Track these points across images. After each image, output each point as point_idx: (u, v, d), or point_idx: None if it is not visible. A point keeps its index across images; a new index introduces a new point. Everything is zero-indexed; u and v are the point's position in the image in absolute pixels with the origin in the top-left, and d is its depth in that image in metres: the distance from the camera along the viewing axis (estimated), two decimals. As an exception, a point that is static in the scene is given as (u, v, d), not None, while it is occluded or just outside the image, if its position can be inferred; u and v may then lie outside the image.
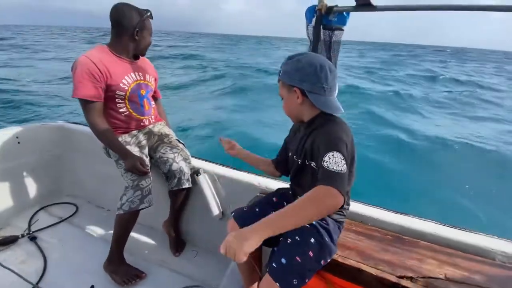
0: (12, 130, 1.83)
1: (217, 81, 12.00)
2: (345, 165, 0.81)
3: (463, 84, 14.71)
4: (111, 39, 1.42)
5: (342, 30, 1.12)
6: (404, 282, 0.89)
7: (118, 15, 1.35)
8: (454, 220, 1.26)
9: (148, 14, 1.41)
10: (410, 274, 0.93)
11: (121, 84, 1.40)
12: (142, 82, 1.50)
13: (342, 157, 0.82)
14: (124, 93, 1.42)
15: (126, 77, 1.42)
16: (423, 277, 0.92)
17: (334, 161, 0.82)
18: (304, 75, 0.92)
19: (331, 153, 0.83)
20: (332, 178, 0.79)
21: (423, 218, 1.24)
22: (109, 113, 1.42)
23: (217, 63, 17.55)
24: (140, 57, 1.52)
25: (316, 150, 0.91)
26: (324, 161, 0.82)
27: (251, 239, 0.75)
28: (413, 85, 13.62)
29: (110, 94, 1.38)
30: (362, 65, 20.93)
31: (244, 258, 0.75)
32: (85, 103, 1.32)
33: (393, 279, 0.91)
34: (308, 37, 1.15)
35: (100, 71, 1.32)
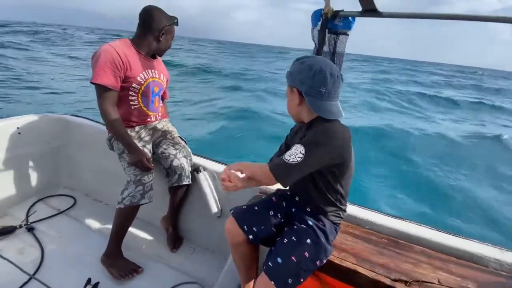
0: (13, 120, 1.83)
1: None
2: (299, 159, 0.89)
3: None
4: (135, 35, 1.50)
5: (347, 34, 1.14)
6: (398, 286, 0.91)
7: (148, 16, 1.44)
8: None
9: (175, 21, 1.52)
10: (404, 278, 0.95)
11: (138, 78, 1.46)
12: (156, 79, 1.56)
13: (303, 151, 0.89)
14: (139, 86, 1.47)
15: (143, 72, 1.48)
16: (417, 281, 0.94)
17: (291, 152, 0.91)
18: (304, 78, 0.94)
19: (296, 146, 0.92)
20: (278, 165, 0.92)
21: (418, 223, 1.26)
22: (119, 103, 1.45)
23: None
24: (157, 57, 1.59)
25: None
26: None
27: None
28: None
29: (125, 85, 1.43)
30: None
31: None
32: (102, 91, 1.36)
33: (388, 282, 0.93)
34: (313, 40, 1.16)
35: (122, 62, 1.38)
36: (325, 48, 1.11)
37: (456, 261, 1.09)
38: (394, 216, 1.30)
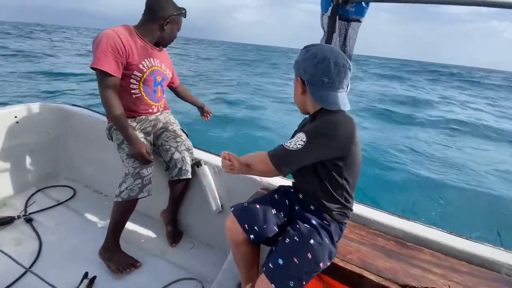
0: (11, 109, 1.78)
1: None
2: (299, 146, 0.86)
3: None
4: (140, 22, 1.43)
5: (360, 21, 1.05)
6: (407, 292, 0.86)
7: (154, 3, 1.38)
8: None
9: (183, 12, 1.45)
10: (413, 284, 0.90)
11: (140, 65, 1.39)
12: (159, 69, 1.50)
13: (304, 139, 0.87)
14: (141, 75, 1.41)
15: (146, 60, 1.42)
16: (427, 287, 0.89)
17: (292, 139, 0.91)
18: (308, 66, 0.90)
19: (298, 134, 0.90)
20: (276, 150, 0.91)
21: (427, 225, 1.21)
22: (120, 92, 1.39)
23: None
24: (161, 48, 1.53)
25: None
26: None
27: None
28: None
29: (127, 73, 1.37)
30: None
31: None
32: (103, 76, 1.29)
33: (395, 287, 0.88)
34: (323, 27, 1.08)
35: (124, 47, 1.32)
36: (335, 36, 1.03)
37: (467, 265, 1.03)
38: (401, 216, 1.24)
